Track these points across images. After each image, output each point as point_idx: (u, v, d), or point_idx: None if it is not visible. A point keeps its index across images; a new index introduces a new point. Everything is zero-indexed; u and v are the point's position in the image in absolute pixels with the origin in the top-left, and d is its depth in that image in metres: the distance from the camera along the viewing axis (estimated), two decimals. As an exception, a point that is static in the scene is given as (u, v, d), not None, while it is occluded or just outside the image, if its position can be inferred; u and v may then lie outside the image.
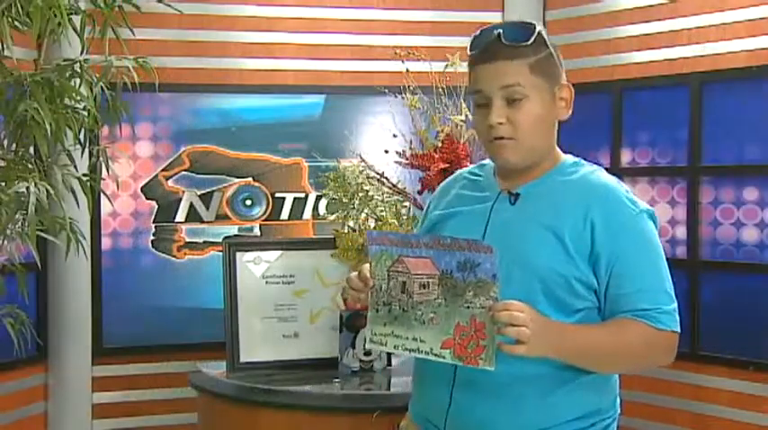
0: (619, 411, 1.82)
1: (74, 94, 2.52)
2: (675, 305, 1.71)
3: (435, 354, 1.62)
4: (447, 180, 1.99)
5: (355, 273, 1.76)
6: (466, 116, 3.01)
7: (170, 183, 3.90)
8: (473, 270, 1.57)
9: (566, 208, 1.70)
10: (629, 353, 1.69)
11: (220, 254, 3.15)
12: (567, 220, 1.68)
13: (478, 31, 1.76)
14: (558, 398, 1.69)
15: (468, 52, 1.77)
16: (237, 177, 3.96)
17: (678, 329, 1.70)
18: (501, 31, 1.71)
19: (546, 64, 1.72)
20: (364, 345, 2.95)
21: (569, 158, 1.83)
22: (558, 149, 1.83)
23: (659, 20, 3.76)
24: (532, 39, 1.70)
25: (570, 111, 1.80)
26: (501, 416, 1.70)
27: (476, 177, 1.88)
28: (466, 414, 1.72)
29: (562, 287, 1.66)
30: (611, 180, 1.79)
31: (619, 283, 1.67)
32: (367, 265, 1.74)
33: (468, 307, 1.58)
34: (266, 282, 3.09)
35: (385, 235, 1.72)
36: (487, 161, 1.89)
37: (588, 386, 1.71)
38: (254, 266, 3.09)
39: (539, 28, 1.73)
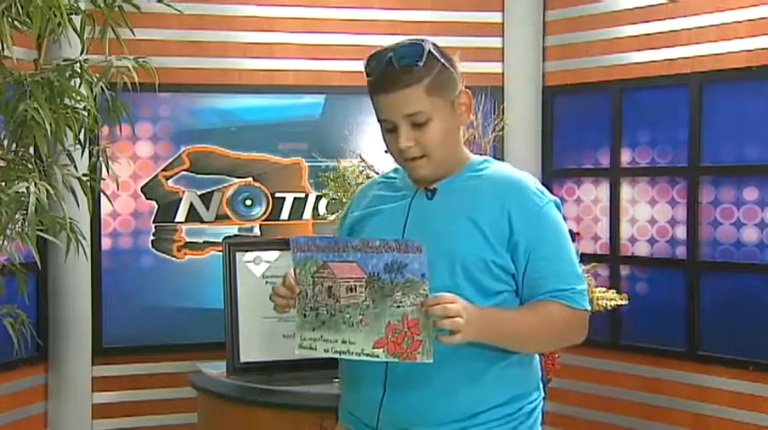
0: (543, 395, 1.90)
1: (74, 94, 2.51)
2: (585, 286, 1.83)
3: (368, 354, 1.65)
4: (363, 185, 2.09)
5: (281, 281, 1.82)
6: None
7: (170, 183, 3.90)
8: (400, 271, 1.62)
9: (481, 199, 1.80)
10: (552, 332, 1.80)
11: (220, 254, 3.15)
12: (483, 210, 1.78)
13: (371, 54, 1.85)
14: (487, 381, 1.77)
15: (366, 76, 1.86)
16: (237, 177, 3.96)
17: (589, 308, 1.82)
18: (392, 54, 1.78)
19: (441, 80, 1.79)
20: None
21: (477, 157, 1.93)
22: (465, 150, 1.91)
23: (659, 20, 3.77)
24: (423, 59, 1.76)
25: (472, 114, 1.88)
26: (435, 403, 1.76)
27: (391, 179, 1.98)
28: (400, 406, 1.78)
29: (482, 271, 1.75)
30: (521, 174, 1.88)
31: (536, 267, 1.78)
32: (291, 273, 1.79)
33: (399, 306, 1.62)
34: (266, 282, 3.08)
35: (312, 240, 1.75)
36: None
37: (513, 368, 1.80)
38: (254, 266, 3.09)
39: (427, 47, 1.78)
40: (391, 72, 1.78)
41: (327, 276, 1.70)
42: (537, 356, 1.91)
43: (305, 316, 1.74)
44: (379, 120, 1.85)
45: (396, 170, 1.99)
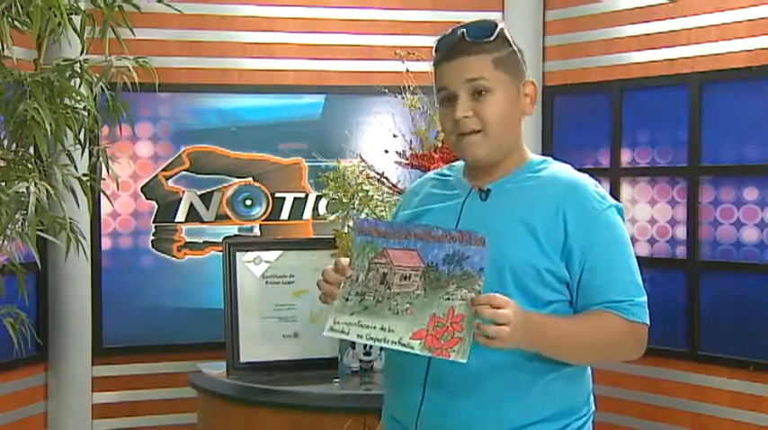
0: (593, 408, 1.82)
1: (74, 94, 2.52)
2: (645, 298, 1.73)
3: (403, 344, 1.59)
4: (416, 182, 2.01)
5: (331, 266, 1.72)
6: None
7: (170, 183, 3.90)
8: (460, 263, 1.57)
9: (537, 203, 1.72)
10: (603, 345, 1.71)
11: (220, 254, 3.16)
12: (538, 214, 1.70)
13: (443, 34, 1.79)
14: (533, 394, 1.69)
15: (434, 54, 1.80)
16: (237, 177, 3.96)
17: (648, 322, 1.72)
18: (464, 30, 1.74)
19: (509, 61, 1.75)
20: (364, 346, 2.95)
21: (537, 157, 1.85)
22: (525, 148, 1.84)
23: (659, 20, 3.76)
24: (494, 35, 1.73)
25: (534, 107, 1.82)
26: (477, 414, 1.69)
27: (445, 177, 1.91)
28: (439, 413, 1.72)
29: (534, 279, 1.67)
30: (581, 176, 1.80)
31: (591, 276, 1.69)
32: (343, 259, 1.72)
33: (449, 298, 1.57)
34: (266, 282, 3.09)
35: (375, 224, 1.70)
36: (457, 163, 1.91)
37: (561, 381, 1.72)
38: (254, 266, 3.09)
39: (501, 25, 1.75)
40: (460, 43, 1.73)
41: (384, 263, 1.65)
42: (588, 369, 1.82)
43: (347, 300, 1.67)
44: (438, 92, 1.78)
45: (450, 167, 1.92)
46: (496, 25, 1.75)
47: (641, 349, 1.75)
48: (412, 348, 1.58)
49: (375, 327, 1.63)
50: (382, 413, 1.93)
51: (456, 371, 1.63)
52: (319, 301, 1.73)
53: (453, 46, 1.74)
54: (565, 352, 1.68)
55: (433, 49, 1.80)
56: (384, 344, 1.61)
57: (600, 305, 1.68)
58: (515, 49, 1.77)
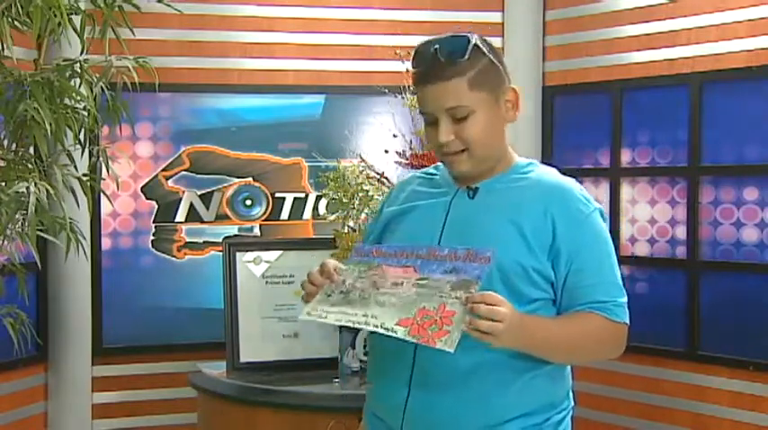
0: (573, 404, 1.86)
1: (74, 94, 2.52)
2: (626, 298, 1.78)
3: (385, 328, 1.56)
4: (401, 180, 2.03)
5: (316, 269, 1.75)
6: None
7: (170, 183, 3.90)
8: (458, 274, 1.58)
9: (525, 203, 1.75)
10: (588, 344, 1.76)
11: (220, 254, 3.16)
12: (526, 215, 1.73)
13: (417, 46, 1.80)
14: (514, 391, 1.72)
15: (411, 68, 1.81)
16: (237, 177, 3.96)
17: (628, 322, 1.78)
18: (437, 47, 1.74)
19: (485, 74, 1.76)
20: (364, 346, 2.95)
21: (523, 159, 1.88)
22: (511, 151, 1.87)
23: (659, 20, 3.77)
24: (468, 53, 1.73)
25: (518, 112, 1.83)
26: (462, 410, 1.72)
27: (431, 176, 1.93)
28: (425, 409, 1.74)
29: (520, 276, 1.70)
30: (567, 180, 1.84)
31: (578, 277, 1.73)
32: (330, 260, 1.74)
33: (441, 296, 1.56)
34: (266, 282, 3.09)
35: (377, 248, 1.71)
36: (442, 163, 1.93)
37: (542, 378, 1.76)
38: (254, 266, 3.09)
39: (473, 40, 1.75)
40: (435, 64, 1.73)
41: (377, 274, 1.66)
42: (569, 367, 1.86)
43: (329, 296, 1.67)
44: (421, 113, 1.81)
45: (436, 167, 1.94)
46: (468, 41, 1.75)
47: (621, 349, 1.81)
48: (395, 333, 1.55)
49: (356, 314, 1.61)
50: (363, 412, 1.94)
51: (441, 369, 1.68)
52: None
53: (429, 67, 1.75)
54: (552, 352, 1.73)
55: (410, 62, 1.80)
56: (364, 327, 1.60)
57: (585, 305, 1.73)
58: (491, 57, 1.77)
